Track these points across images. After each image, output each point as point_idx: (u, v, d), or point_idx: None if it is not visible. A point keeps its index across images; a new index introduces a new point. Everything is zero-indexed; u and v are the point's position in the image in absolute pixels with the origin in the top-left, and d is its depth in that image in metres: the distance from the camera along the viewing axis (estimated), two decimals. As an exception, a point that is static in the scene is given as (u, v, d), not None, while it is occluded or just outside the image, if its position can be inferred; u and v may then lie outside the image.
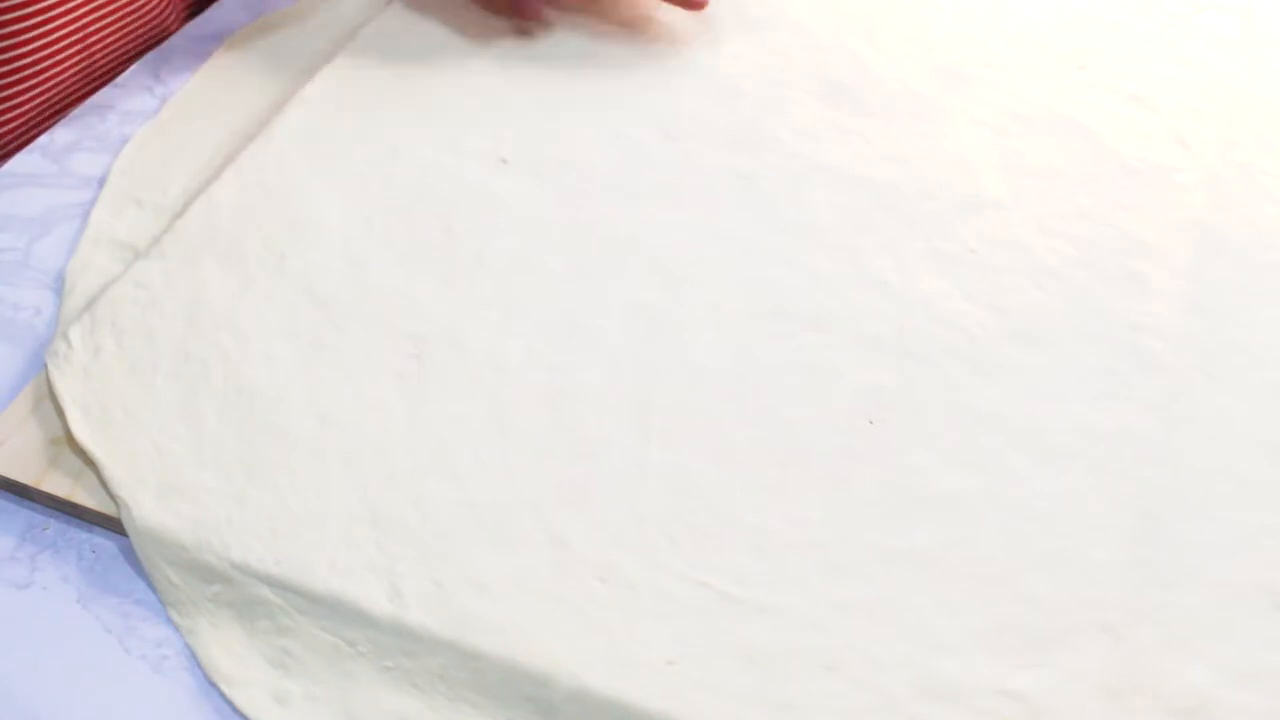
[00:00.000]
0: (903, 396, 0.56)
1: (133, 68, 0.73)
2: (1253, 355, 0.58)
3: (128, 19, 0.74)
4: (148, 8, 0.75)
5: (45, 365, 0.55)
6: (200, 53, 0.74)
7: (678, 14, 0.76)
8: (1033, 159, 0.68)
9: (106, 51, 0.73)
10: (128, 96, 0.71)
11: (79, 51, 0.72)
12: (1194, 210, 0.66)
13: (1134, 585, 0.49)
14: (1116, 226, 0.64)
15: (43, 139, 0.68)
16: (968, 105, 0.72)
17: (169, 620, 0.48)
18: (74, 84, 0.72)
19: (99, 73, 0.73)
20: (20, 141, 0.69)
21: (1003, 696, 0.46)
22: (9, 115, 0.71)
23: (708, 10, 0.76)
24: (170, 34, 0.76)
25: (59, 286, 0.60)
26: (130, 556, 0.50)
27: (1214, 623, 0.48)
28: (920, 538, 0.51)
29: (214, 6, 0.78)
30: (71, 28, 0.71)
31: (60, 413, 0.53)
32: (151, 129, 0.68)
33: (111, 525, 0.51)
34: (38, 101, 0.71)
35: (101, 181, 0.65)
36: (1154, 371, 0.57)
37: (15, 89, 0.70)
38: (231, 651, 0.47)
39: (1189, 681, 0.47)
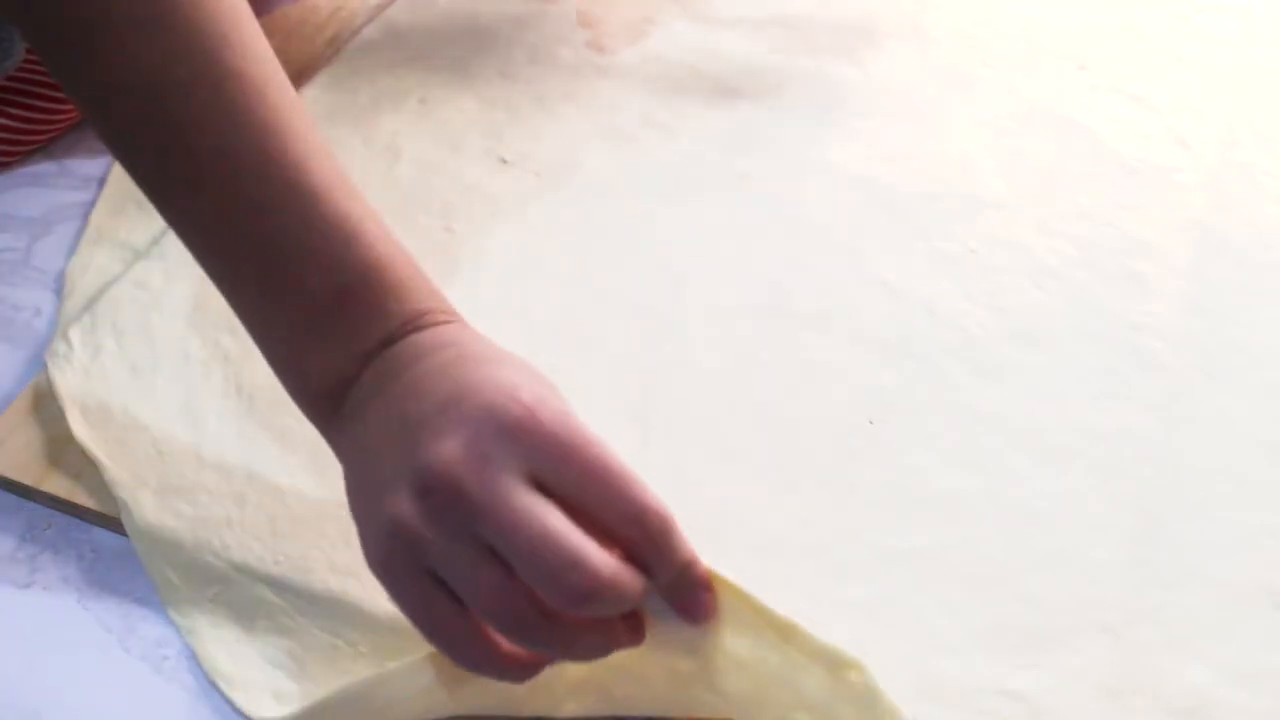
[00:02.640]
0: (903, 396, 0.56)
1: (133, 68, 0.73)
2: (1253, 355, 0.58)
3: None
4: None
5: (45, 365, 0.55)
6: (200, 53, 0.74)
7: None
8: (1033, 159, 0.68)
9: None
10: (128, 96, 0.71)
11: None
12: (1194, 210, 0.65)
13: (1134, 585, 0.49)
14: (1116, 226, 0.64)
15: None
16: (968, 105, 0.72)
17: (169, 620, 0.48)
18: None
19: None
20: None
21: (1003, 696, 0.46)
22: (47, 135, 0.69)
23: (708, 10, 0.76)
24: None
25: (59, 286, 0.60)
26: (130, 556, 0.50)
27: (1214, 623, 0.48)
28: (920, 538, 0.50)
29: (214, 6, 0.78)
30: None
31: (60, 413, 0.53)
32: (151, 129, 0.68)
33: (111, 525, 0.51)
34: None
35: (101, 181, 0.65)
36: (1154, 371, 0.57)
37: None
38: (231, 651, 0.47)
39: (1189, 681, 0.46)
